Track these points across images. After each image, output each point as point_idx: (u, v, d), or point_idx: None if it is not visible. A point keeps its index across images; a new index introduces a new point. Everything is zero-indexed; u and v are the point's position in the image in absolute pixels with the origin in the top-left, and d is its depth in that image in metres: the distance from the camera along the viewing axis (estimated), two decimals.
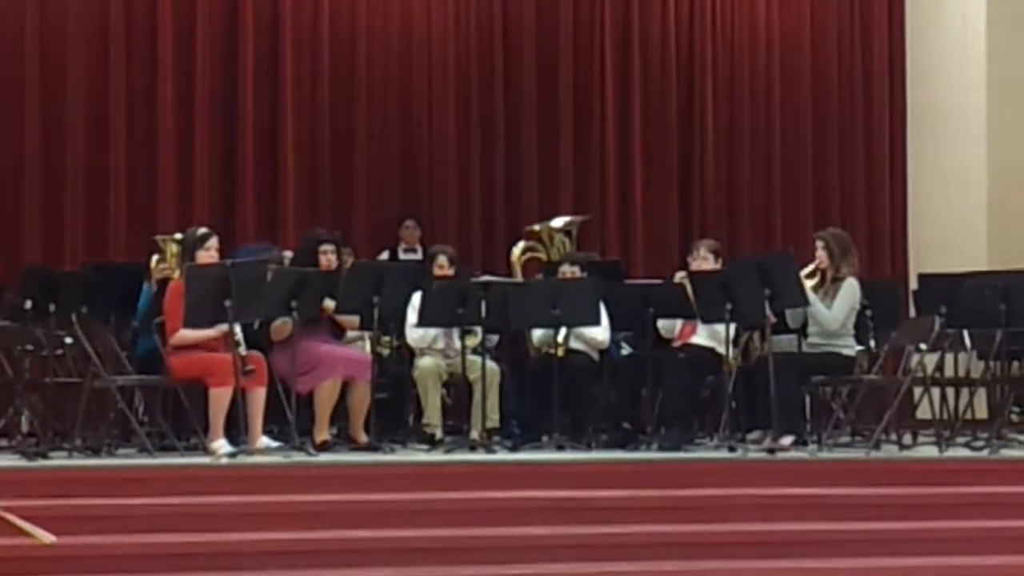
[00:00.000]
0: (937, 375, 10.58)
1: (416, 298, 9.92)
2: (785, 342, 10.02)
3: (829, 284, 9.83)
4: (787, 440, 9.53)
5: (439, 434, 10.01)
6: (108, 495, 8.16)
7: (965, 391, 10.85)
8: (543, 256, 11.58)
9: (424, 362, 10.09)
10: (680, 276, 10.30)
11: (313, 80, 12.69)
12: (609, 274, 10.73)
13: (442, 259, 10.47)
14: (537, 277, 11.18)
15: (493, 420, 10.00)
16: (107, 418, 9.55)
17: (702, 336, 10.05)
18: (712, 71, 13.66)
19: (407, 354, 10.37)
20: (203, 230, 9.71)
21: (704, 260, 10.16)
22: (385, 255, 12.18)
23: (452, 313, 9.76)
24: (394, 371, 10.38)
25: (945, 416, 10.55)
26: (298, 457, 9.03)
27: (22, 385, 9.61)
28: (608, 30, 13.40)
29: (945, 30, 13.87)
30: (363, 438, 9.71)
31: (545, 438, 9.92)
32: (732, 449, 9.51)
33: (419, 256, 11.90)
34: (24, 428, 9.61)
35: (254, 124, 12.41)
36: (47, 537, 5.57)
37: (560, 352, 10.07)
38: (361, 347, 10.15)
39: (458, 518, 8.25)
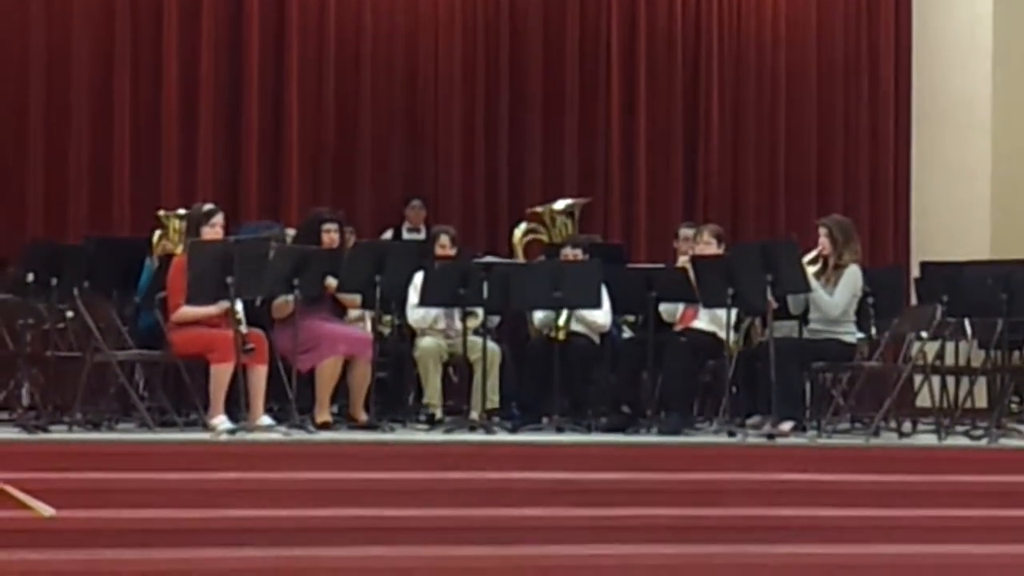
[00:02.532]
0: (937, 363, 10.60)
1: (418, 278, 9.92)
2: (786, 328, 10.03)
3: (831, 271, 9.82)
4: (786, 426, 9.54)
5: (439, 414, 10.02)
6: (108, 469, 8.16)
7: (965, 380, 10.86)
8: (544, 238, 11.57)
9: (425, 342, 10.10)
10: (683, 260, 10.31)
11: (318, 58, 12.68)
12: (611, 257, 10.73)
13: (444, 239, 10.48)
14: (539, 259, 11.17)
15: (493, 401, 10.01)
16: (108, 393, 9.57)
17: (703, 320, 10.06)
18: (718, 56, 13.66)
19: (408, 334, 10.37)
20: (209, 206, 9.69)
21: (707, 245, 10.15)
22: (388, 234, 12.18)
23: (454, 293, 9.75)
24: (395, 350, 10.38)
25: (945, 404, 10.56)
26: (298, 435, 9.03)
27: (23, 358, 9.62)
28: (614, 14, 13.39)
29: (952, 20, 13.85)
30: (363, 417, 9.72)
31: (545, 420, 9.92)
32: (731, 434, 9.52)
33: (423, 236, 11.89)
34: (25, 401, 9.63)
35: (258, 101, 12.41)
36: (46, 510, 5.56)
37: (561, 334, 10.08)
38: (362, 326, 10.15)
39: (457, 498, 8.25)
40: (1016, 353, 10.81)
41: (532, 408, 10.11)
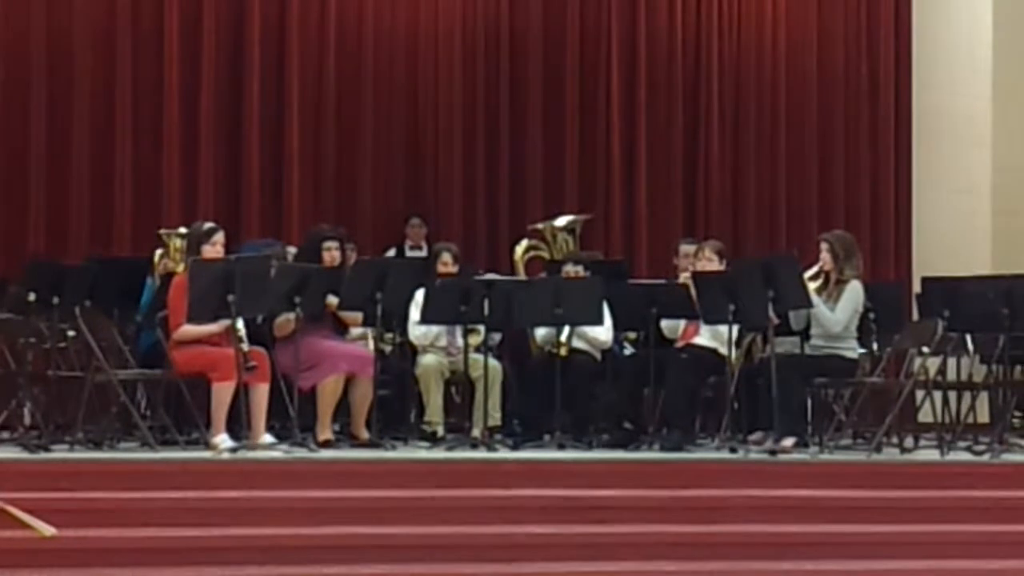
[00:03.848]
0: (939, 379, 10.60)
1: (419, 295, 9.93)
2: (788, 344, 10.01)
3: (833, 286, 9.83)
4: (788, 442, 9.53)
5: (440, 432, 10.01)
6: (109, 488, 8.17)
7: (967, 395, 10.85)
8: (546, 255, 11.58)
9: (426, 360, 10.10)
10: (684, 276, 10.31)
11: (319, 76, 12.70)
12: (613, 274, 10.73)
13: (446, 256, 10.47)
14: (540, 276, 11.18)
15: (495, 418, 10.00)
16: (109, 412, 9.55)
17: (705, 337, 10.05)
18: (718, 72, 13.67)
19: (409, 351, 10.36)
20: (209, 224, 9.70)
21: (709, 261, 10.15)
22: (392, 252, 12.19)
23: (455, 311, 9.75)
24: (396, 368, 10.37)
25: (947, 420, 10.55)
26: (299, 453, 9.03)
27: (25, 377, 9.62)
28: (615, 31, 13.40)
29: (951, 35, 13.87)
30: (365, 435, 9.70)
31: (547, 437, 9.92)
32: (733, 450, 9.51)
33: (425, 254, 11.89)
34: (26, 420, 9.63)
35: (260, 119, 12.43)
36: (47, 529, 5.59)
37: (563, 351, 10.07)
38: (364, 344, 10.15)
39: (459, 516, 8.26)
40: (1018, 368, 10.81)
41: (534, 425, 10.11)
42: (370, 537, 7.98)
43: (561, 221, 11.77)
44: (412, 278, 9.97)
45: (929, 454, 9.99)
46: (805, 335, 9.91)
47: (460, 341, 10.01)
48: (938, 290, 10.77)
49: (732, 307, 9.51)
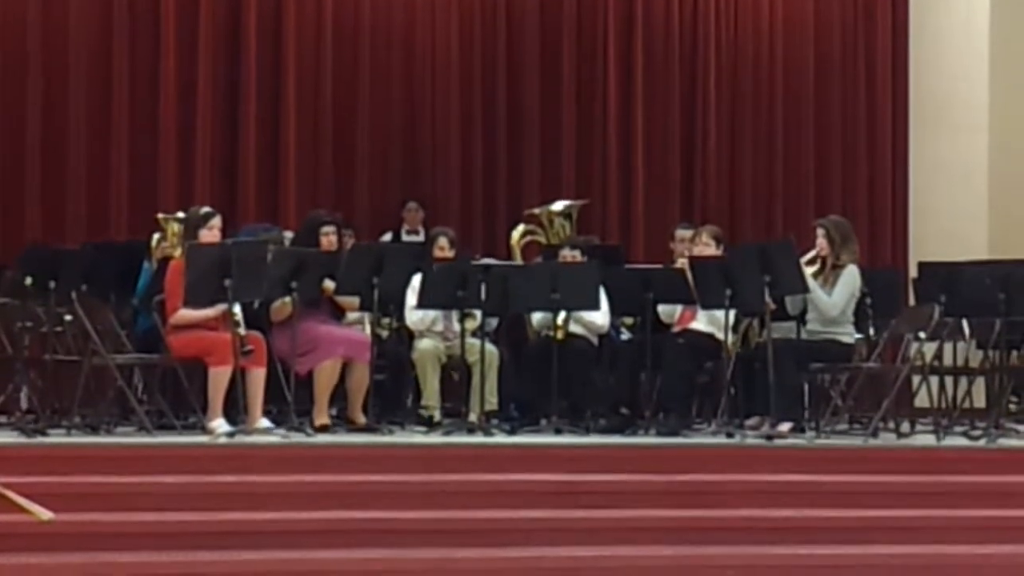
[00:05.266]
0: (936, 364, 10.59)
1: (416, 280, 9.92)
2: (784, 329, 10.02)
3: (829, 271, 9.83)
4: (785, 427, 9.54)
5: (437, 416, 10.02)
6: (106, 473, 8.17)
7: (963, 380, 10.87)
8: (543, 239, 11.58)
9: (423, 344, 10.10)
10: (681, 261, 10.31)
11: (316, 61, 12.68)
12: (609, 258, 10.73)
13: (442, 241, 10.48)
14: (537, 260, 11.18)
15: (492, 403, 10.00)
16: (106, 396, 9.56)
17: (702, 322, 10.06)
18: (715, 57, 13.66)
19: (406, 336, 10.37)
20: (206, 209, 9.71)
21: (706, 246, 10.16)
22: (388, 237, 12.19)
23: (452, 295, 9.76)
24: (393, 353, 10.38)
25: (943, 405, 10.56)
26: (296, 438, 9.04)
27: (21, 362, 9.61)
28: (611, 16, 13.39)
29: (948, 20, 13.85)
30: (362, 419, 9.71)
31: (543, 422, 9.92)
32: (730, 435, 9.52)
33: (422, 238, 11.90)
34: (23, 405, 9.61)
35: (256, 104, 12.40)
36: (45, 514, 5.59)
37: (559, 336, 10.08)
38: (361, 329, 10.16)
39: (455, 500, 8.26)
40: (1014, 353, 10.82)
41: (530, 410, 10.12)
42: (367, 521, 7.98)
43: (558, 206, 11.77)
44: (409, 263, 9.97)
45: (925, 439, 10.00)
46: (802, 320, 9.93)
47: (457, 326, 10.01)
48: (935, 275, 10.75)
49: (729, 292, 9.51)
